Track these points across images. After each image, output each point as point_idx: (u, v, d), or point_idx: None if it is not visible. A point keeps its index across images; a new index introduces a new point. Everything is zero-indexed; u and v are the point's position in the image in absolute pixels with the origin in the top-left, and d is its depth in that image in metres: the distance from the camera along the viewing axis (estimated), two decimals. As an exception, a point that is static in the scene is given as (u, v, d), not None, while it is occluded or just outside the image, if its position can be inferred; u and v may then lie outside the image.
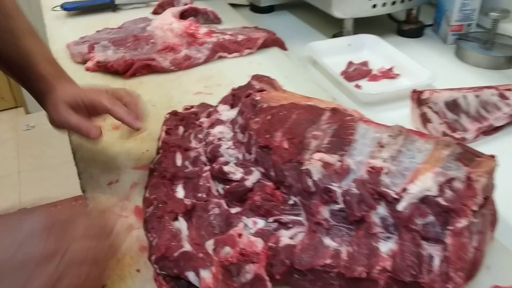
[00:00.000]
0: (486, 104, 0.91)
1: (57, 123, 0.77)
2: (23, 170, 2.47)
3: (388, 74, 1.09)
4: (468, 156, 0.62)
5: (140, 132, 0.78)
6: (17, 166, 2.48)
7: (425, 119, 0.89)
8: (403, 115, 0.95)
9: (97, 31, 1.27)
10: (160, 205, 0.69)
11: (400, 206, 0.58)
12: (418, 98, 0.90)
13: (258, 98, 0.77)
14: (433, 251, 0.57)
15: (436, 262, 0.56)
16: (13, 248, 0.46)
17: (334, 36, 1.28)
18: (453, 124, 0.88)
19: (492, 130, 0.90)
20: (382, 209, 0.59)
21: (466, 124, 0.88)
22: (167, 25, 1.16)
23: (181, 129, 0.85)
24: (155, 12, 1.42)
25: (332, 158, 0.63)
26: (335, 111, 0.70)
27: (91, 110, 0.77)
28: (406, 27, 1.31)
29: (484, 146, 0.85)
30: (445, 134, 0.86)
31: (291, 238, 0.62)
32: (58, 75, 0.80)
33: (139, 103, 0.78)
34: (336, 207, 0.61)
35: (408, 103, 0.93)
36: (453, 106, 0.90)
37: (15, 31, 0.77)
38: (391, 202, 0.59)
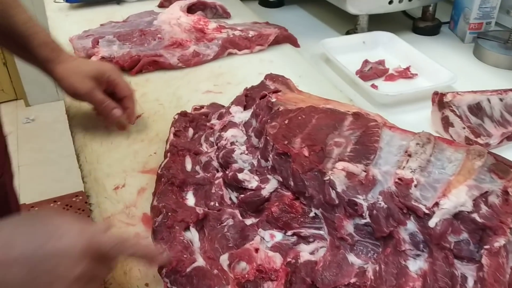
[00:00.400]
0: (510, 108, 0.87)
1: (76, 93, 0.81)
2: (23, 164, 2.42)
3: (405, 73, 1.04)
4: (502, 168, 0.58)
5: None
6: (17, 160, 2.44)
7: (447, 123, 0.85)
8: (422, 118, 0.91)
9: (101, 25, 1.22)
10: (169, 213, 0.65)
11: (432, 222, 0.54)
12: (440, 100, 0.85)
13: (274, 100, 0.72)
14: (466, 271, 0.53)
15: (470, 283, 0.52)
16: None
17: (348, 33, 1.24)
18: (476, 129, 0.83)
19: (516, 135, 0.86)
20: (411, 225, 0.55)
21: (490, 129, 0.84)
22: (175, 19, 1.12)
23: (190, 131, 0.80)
24: (161, 6, 1.38)
25: (356, 168, 0.59)
26: (357, 116, 0.66)
27: (109, 89, 0.83)
28: (422, 24, 1.27)
29: (508, 152, 0.80)
30: (467, 139, 0.82)
31: (311, 253, 0.58)
32: (60, 45, 0.84)
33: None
34: (362, 221, 0.57)
35: (428, 105, 0.89)
36: (476, 109, 0.85)
37: (9, 2, 0.78)
38: (421, 218, 0.55)
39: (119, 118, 0.83)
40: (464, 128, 0.83)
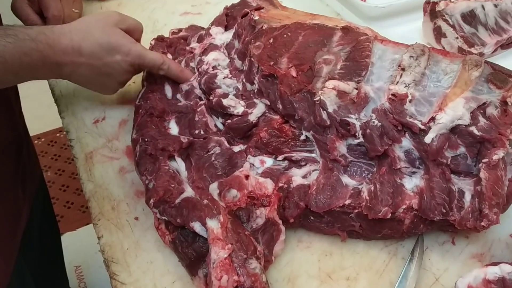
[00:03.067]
0: (505, 14, 0.82)
1: (14, 12, 0.81)
2: (1, 102, 2.35)
3: (394, -17, 0.98)
4: (501, 77, 0.55)
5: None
6: (-5, 98, 2.36)
7: (439, 34, 0.80)
8: (413, 29, 0.86)
9: None
10: (147, 139, 0.62)
11: (428, 138, 0.52)
12: (432, 9, 0.80)
13: (256, 17, 0.67)
14: (463, 185, 0.52)
15: (467, 197, 0.51)
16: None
17: None
18: (470, 38, 0.79)
19: (511, 43, 0.82)
20: (407, 142, 0.53)
21: (485, 37, 0.80)
22: None
23: (169, 57, 0.75)
24: None
25: (347, 86, 0.56)
26: (346, 30, 0.62)
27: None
28: None
29: (503, 61, 0.77)
30: (460, 50, 0.78)
31: (304, 177, 0.56)
32: None
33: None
34: (355, 141, 0.55)
35: (418, 16, 0.85)
36: (470, 18, 0.81)
37: None
38: (417, 134, 0.52)
39: None
40: (457, 38, 0.79)
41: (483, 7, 0.81)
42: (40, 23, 0.82)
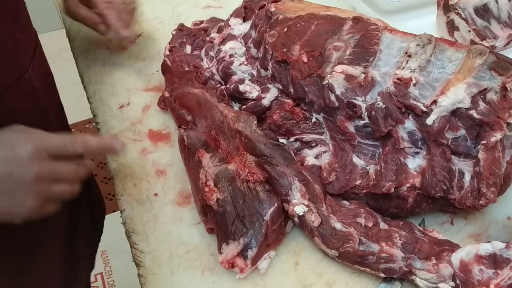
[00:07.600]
0: (519, 7, 0.84)
1: (70, 15, 0.81)
2: (34, 95, 2.44)
3: (410, -22, 1.00)
4: (503, 65, 0.57)
5: (130, 41, 0.85)
6: (28, 92, 2.45)
7: (452, 27, 0.83)
8: (427, 23, 0.88)
9: None
10: None
11: (430, 120, 0.54)
12: (446, 3, 0.83)
13: (273, 9, 0.71)
14: (463, 166, 0.54)
15: (467, 177, 0.54)
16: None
17: None
18: (482, 31, 0.81)
19: (523, 37, 0.84)
20: (410, 123, 0.56)
21: (497, 31, 0.82)
22: None
23: (188, 48, 0.80)
24: None
25: (355, 70, 0.59)
26: (357, 20, 0.65)
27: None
28: None
29: (515, 54, 0.79)
30: (473, 43, 0.80)
31: (316, 157, 0.60)
32: None
33: (132, 11, 0.80)
34: (361, 122, 0.58)
35: (433, 10, 0.87)
36: (483, 11, 0.83)
37: None
38: (419, 116, 0.55)
39: (103, 32, 0.78)
40: (469, 31, 0.81)
41: (496, 1, 0.83)
42: (99, 20, 0.77)
